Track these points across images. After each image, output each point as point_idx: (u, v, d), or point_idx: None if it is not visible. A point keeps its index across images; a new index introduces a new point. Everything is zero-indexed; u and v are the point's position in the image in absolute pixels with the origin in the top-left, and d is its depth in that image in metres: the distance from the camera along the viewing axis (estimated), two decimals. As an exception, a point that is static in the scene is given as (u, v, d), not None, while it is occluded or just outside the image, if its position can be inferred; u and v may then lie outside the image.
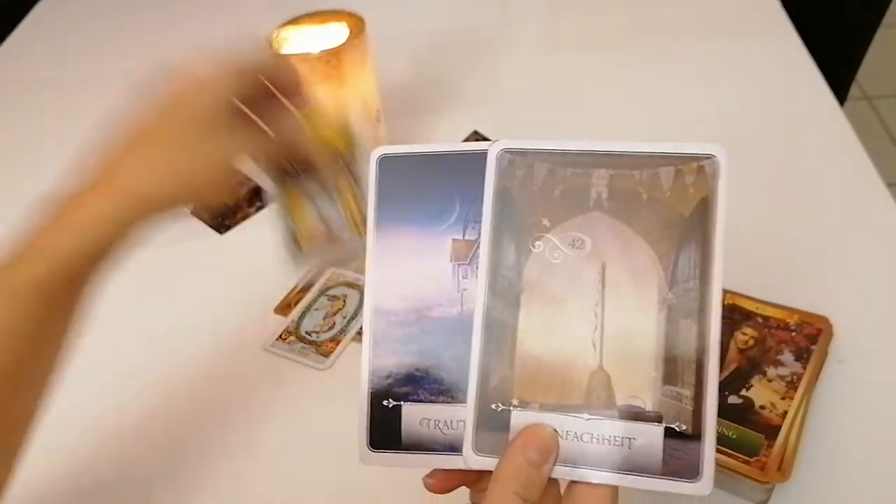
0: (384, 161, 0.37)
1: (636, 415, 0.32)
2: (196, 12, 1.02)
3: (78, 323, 0.42)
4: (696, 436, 0.32)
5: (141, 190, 0.41)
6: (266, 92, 0.45)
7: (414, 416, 0.34)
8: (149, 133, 0.43)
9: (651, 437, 0.32)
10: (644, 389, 0.33)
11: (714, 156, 0.33)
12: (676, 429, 0.32)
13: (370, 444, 0.34)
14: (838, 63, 1.09)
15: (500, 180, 0.35)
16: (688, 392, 0.32)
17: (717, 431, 0.45)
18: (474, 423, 0.33)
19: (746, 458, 0.45)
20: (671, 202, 0.34)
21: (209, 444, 0.53)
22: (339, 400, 0.52)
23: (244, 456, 0.52)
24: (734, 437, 0.46)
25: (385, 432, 0.34)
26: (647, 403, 0.32)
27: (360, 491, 0.49)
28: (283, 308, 0.61)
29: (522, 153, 0.35)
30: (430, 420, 0.34)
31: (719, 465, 0.45)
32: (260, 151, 0.45)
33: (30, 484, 0.52)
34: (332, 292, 0.62)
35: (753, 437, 0.46)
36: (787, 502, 0.46)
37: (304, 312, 0.60)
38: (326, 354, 0.57)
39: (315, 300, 0.61)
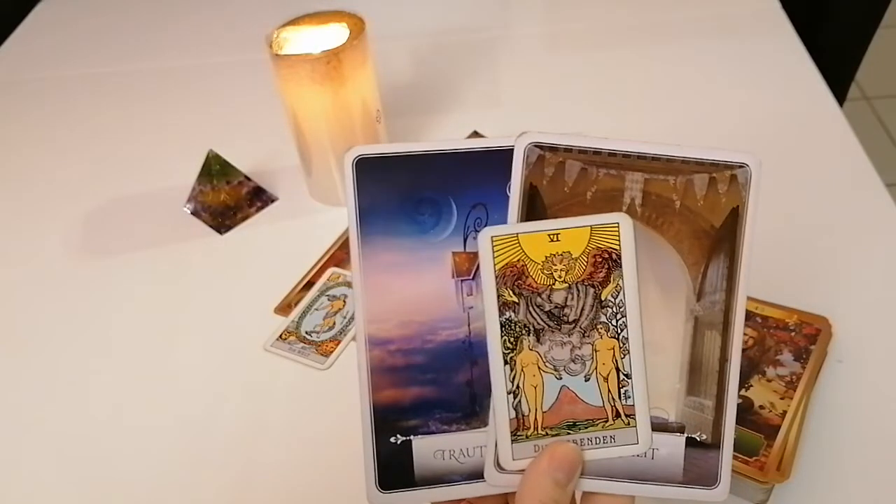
0: (362, 164, 0.32)
1: (659, 426, 0.32)
2: (196, 12, 1.02)
3: None
4: (715, 444, 0.32)
5: None
6: None
7: (427, 449, 0.32)
8: None
9: (673, 447, 0.32)
10: (667, 400, 0.32)
11: (747, 164, 0.32)
12: (697, 438, 0.32)
13: (379, 484, 0.32)
14: (838, 63, 1.09)
15: (527, 177, 0.32)
16: (709, 402, 0.32)
17: (717, 431, 0.46)
18: (502, 438, 0.32)
19: (746, 458, 0.45)
20: (703, 211, 0.33)
21: (209, 443, 0.53)
22: (339, 400, 0.53)
23: (244, 455, 0.52)
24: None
25: (395, 470, 0.32)
26: (671, 414, 0.32)
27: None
28: (283, 308, 0.61)
29: (553, 148, 0.32)
30: (444, 451, 0.32)
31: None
32: None
33: (35, 483, 0.52)
34: (332, 292, 0.62)
35: (753, 437, 0.46)
36: (787, 502, 0.46)
37: (304, 312, 0.60)
38: (326, 354, 0.57)
39: (315, 300, 0.61)
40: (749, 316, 0.53)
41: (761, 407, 0.47)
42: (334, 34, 0.63)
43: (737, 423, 0.46)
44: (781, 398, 0.48)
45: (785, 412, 0.47)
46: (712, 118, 0.76)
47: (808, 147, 0.71)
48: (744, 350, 0.51)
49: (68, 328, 0.62)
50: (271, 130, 0.75)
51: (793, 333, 0.51)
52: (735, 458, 0.45)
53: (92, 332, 0.62)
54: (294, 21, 0.65)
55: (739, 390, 0.48)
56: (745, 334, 0.52)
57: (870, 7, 1.09)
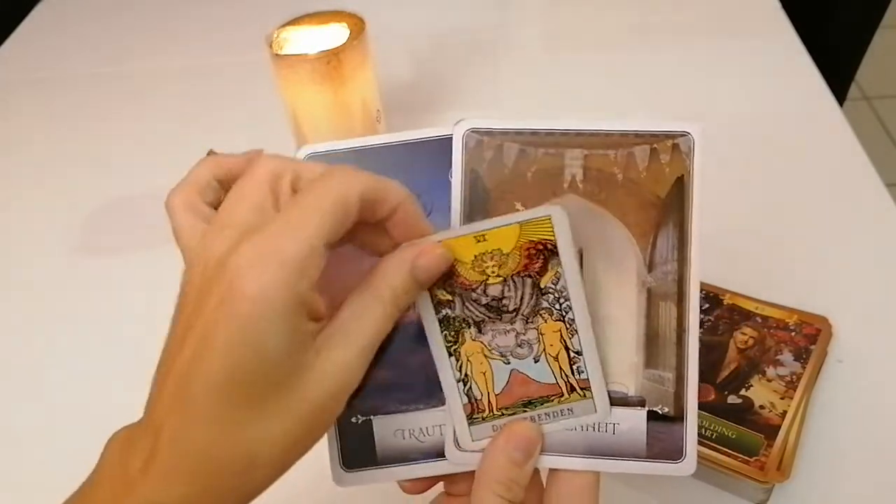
0: (314, 161, 0.34)
1: (619, 400, 0.32)
2: (196, 12, 1.02)
3: None
4: (678, 417, 0.32)
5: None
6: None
7: (387, 428, 0.33)
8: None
9: (635, 421, 0.32)
10: (626, 374, 0.32)
11: (689, 133, 0.32)
12: (659, 412, 0.32)
13: (343, 464, 0.33)
14: (838, 63, 1.09)
15: (468, 163, 0.33)
16: (669, 374, 0.32)
17: (717, 431, 0.46)
18: (458, 422, 0.32)
19: (746, 458, 0.45)
20: (647, 182, 0.33)
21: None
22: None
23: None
24: (733, 437, 0.46)
25: (358, 450, 0.33)
26: (630, 388, 0.32)
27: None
28: (283, 308, 0.61)
29: (490, 133, 0.33)
30: (404, 430, 0.33)
31: (719, 466, 0.45)
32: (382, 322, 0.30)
33: (33, 482, 0.52)
34: (332, 292, 0.62)
35: (753, 437, 0.46)
36: (787, 502, 0.46)
37: (304, 312, 0.60)
38: (326, 354, 0.57)
39: (315, 300, 0.61)
40: (749, 316, 0.53)
41: (761, 407, 0.47)
42: (334, 34, 0.63)
43: (737, 423, 0.46)
44: (781, 398, 0.48)
45: (785, 412, 0.47)
46: (712, 118, 0.75)
47: (808, 147, 0.71)
48: (744, 350, 0.51)
49: (68, 328, 0.62)
50: (271, 130, 0.75)
51: (793, 333, 0.51)
52: (735, 457, 0.45)
53: (92, 333, 0.62)
54: (294, 21, 0.65)
55: (739, 390, 0.48)
56: (744, 334, 0.52)
57: (870, 7, 1.09)
